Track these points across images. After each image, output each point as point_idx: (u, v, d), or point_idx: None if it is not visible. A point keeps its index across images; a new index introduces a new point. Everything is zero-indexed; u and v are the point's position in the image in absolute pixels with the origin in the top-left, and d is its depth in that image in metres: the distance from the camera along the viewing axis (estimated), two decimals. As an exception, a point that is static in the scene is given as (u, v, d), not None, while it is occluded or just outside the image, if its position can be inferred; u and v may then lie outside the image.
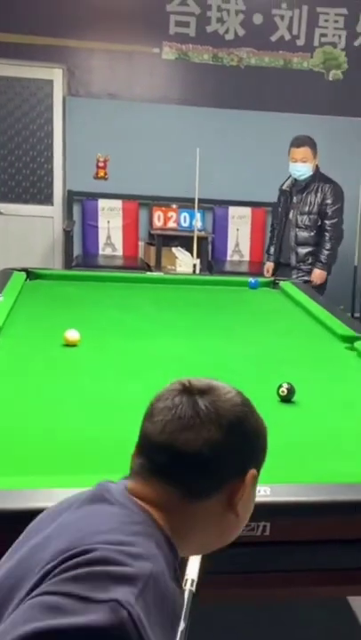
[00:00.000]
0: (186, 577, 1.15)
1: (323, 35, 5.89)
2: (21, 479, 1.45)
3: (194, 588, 1.15)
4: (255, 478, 1.02)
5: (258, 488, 1.44)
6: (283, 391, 2.09)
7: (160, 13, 5.62)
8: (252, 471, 1.00)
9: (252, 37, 5.78)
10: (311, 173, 4.37)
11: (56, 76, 5.65)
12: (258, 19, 5.78)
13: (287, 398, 2.09)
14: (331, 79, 5.93)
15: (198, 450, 0.95)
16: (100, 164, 5.78)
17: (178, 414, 0.96)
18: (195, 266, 4.94)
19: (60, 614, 0.77)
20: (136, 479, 0.98)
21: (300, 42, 5.87)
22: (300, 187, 4.40)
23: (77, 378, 2.23)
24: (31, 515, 1.32)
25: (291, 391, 2.09)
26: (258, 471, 1.03)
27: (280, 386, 2.10)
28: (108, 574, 0.81)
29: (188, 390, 0.99)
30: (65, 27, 5.50)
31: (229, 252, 5.99)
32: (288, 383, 2.10)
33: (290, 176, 4.48)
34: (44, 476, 1.47)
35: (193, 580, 1.16)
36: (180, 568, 0.97)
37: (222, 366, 2.42)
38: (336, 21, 5.88)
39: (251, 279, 3.83)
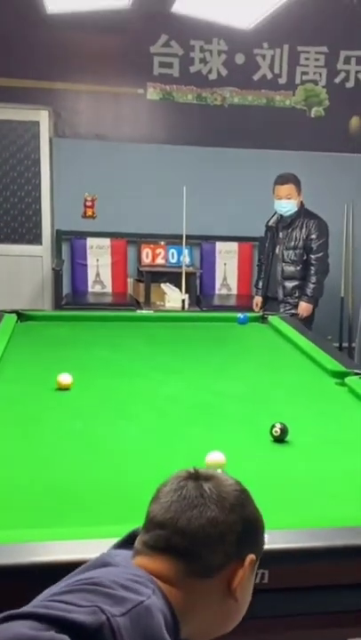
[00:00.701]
0: None
1: (304, 73, 6.03)
2: (15, 532, 1.43)
3: None
4: (254, 563, 1.07)
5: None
6: (276, 431, 2.10)
7: (144, 55, 5.74)
8: (251, 556, 1.05)
9: (235, 77, 5.90)
10: (296, 210, 4.45)
11: (42, 117, 5.73)
12: (240, 58, 5.91)
13: (280, 438, 2.10)
14: (313, 116, 6.06)
15: (201, 527, 1.01)
16: (88, 204, 5.84)
17: (183, 495, 1.03)
18: (183, 301, 4.97)
19: (50, 609, 0.88)
20: (140, 555, 1.03)
21: (282, 80, 6.01)
22: (286, 223, 4.48)
23: (71, 423, 2.24)
24: (28, 570, 1.32)
25: (284, 431, 2.10)
26: (257, 557, 1.08)
27: (273, 426, 2.11)
28: (99, 592, 0.90)
29: (193, 476, 1.07)
30: (51, 69, 5.60)
31: (217, 286, 6.04)
32: (281, 423, 2.11)
33: (275, 212, 4.56)
34: (41, 529, 1.46)
35: None
36: (178, 636, 1.00)
37: (214, 406, 2.44)
38: (317, 59, 6.03)
39: (240, 314, 3.86)
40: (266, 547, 1.46)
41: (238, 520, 1.04)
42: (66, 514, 1.61)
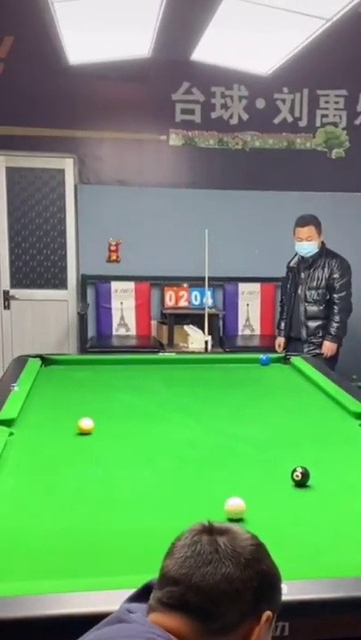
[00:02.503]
0: None
1: (324, 115, 6.09)
2: (30, 584, 1.41)
3: None
4: (270, 620, 1.04)
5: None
6: (297, 475, 2.07)
7: (166, 102, 5.85)
8: (268, 613, 1.03)
9: (256, 121, 5.98)
10: (317, 250, 4.45)
11: (67, 165, 5.86)
12: (260, 103, 6.00)
13: (302, 482, 2.07)
14: (333, 157, 6.10)
15: (216, 584, 0.99)
16: (112, 248, 5.92)
17: (197, 550, 1.02)
18: (206, 342, 4.97)
19: None
20: (155, 612, 1.02)
21: (303, 123, 6.07)
22: (308, 263, 4.48)
23: (91, 469, 2.22)
24: (53, 622, 1.29)
25: (305, 475, 2.07)
26: (273, 614, 1.06)
27: (294, 470, 2.08)
28: None
29: (208, 530, 1.05)
30: (75, 118, 5.74)
31: (240, 326, 6.04)
32: (302, 467, 2.08)
33: (297, 253, 4.57)
34: (56, 580, 1.44)
35: None
36: None
37: (234, 450, 2.42)
38: (336, 102, 6.09)
39: (262, 356, 3.85)
40: (286, 598, 1.43)
41: (254, 576, 1.02)
42: (82, 563, 1.59)
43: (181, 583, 1.00)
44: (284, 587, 1.42)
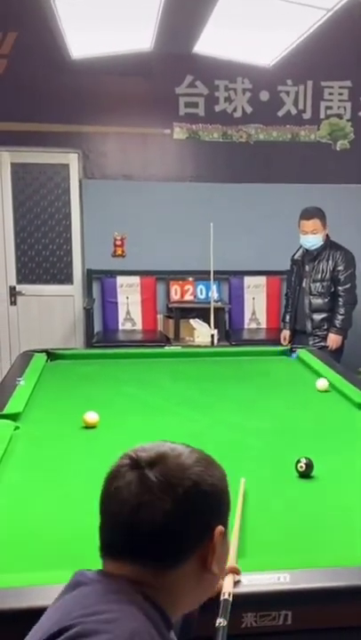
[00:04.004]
0: (223, 591, 1.30)
1: (328, 107, 6.08)
2: (43, 575, 1.41)
3: (230, 598, 1.30)
4: (223, 534, 1.01)
5: (277, 575, 1.44)
6: (301, 466, 2.08)
7: (170, 96, 5.85)
8: (219, 528, 1.00)
9: (260, 114, 5.98)
10: (322, 243, 4.45)
11: (72, 160, 5.87)
12: (264, 95, 5.99)
13: (306, 473, 2.07)
14: (338, 149, 6.09)
15: (158, 524, 0.94)
16: (118, 243, 5.93)
17: (132, 492, 0.95)
18: (213, 336, 4.97)
19: None
20: (107, 560, 0.99)
21: (307, 115, 6.06)
22: (312, 256, 4.48)
23: (96, 463, 2.23)
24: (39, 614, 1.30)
25: (309, 466, 2.08)
26: (225, 525, 1.02)
27: (298, 461, 2.09)
28: None
29: (136, 464, 0.98)
30: (78, 113, 5.74)
31: (246, 320, 6.04)
32: (306, 458, 2.09)
33: (301, 246, 4.56)
34: (69, 571, 1.45)
35: (230, 593, 1.31)
36: (170, 626, 0.98)
37: (240, 442, 2.42)
38: (341, 94, 6.07)
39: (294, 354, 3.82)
40: (289, 587, 1.44)
41: (197, 502, 0.96)
42: (89, 555, 1.60)
43: (124, 531, 0.96)
44: (287, 576, 1.45)
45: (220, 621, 1.24)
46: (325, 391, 3.04)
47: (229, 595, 1.32)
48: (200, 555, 0.98)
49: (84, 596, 0.94)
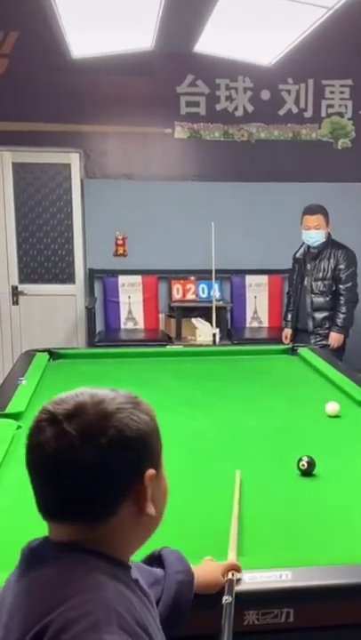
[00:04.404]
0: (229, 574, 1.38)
1: (329, 106, 6.08)
2: None
3: (235, 577, 1.38)
4: (154, 477, 0.98)
5: (279, 573, 1.44)
6: (303, 465, 2.08)
7: (171, 95, 5.85)
8: (149, 472, 0.97)
9: (261, 113, 5.98)
10: (324, 240, 4.45)
11: (73, 160, 5.87)
12: (265, 94, 5.99)
13: (308, 472, 2.08)
14: (339, 148, 6.08)
15: (85, 480, 0.92)
16: (119, 242, 5.93)
17: (52, 449, 0.92)
18: (214, 335, 4.97)
19: None
20: (47, 521, 0.97)
21: (308, 114, 6.06)
22: (313, 254, 4.48)
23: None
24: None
25: (311, 464, 2.08)
26: (156, 466, 1.00)
27: (300, 459, 2.09)
28: (77, 638, 0.83)
29: (54, 418, 0.93)
30: (79, 112, 5.75)
31: (248, 319, 6.04)
32: (308, 456, 2.09)
33: (302, 244, 4.57)
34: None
35: (233, 573, 1.38)
36: (127, 567, 0.99)
37: (241, 440, 2.43)
38: (342, 92, 6.07)
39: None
40: (292, 584, 1.44)
41: (122, 450, 0.93)
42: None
43: (53, 494, 0.93)
44: (289, 573, 1.45)
45: (227, 598, 1.28)
46: (336, 416, 2.67)
47: (233, 574, 1.37)
48: (134, 500, 0.96)
49: (43, 582, 0.92)
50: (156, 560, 1.31)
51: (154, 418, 1.02)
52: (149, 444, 0.98)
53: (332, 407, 2.67)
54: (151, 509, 0.97)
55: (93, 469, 0.91)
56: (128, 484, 0.95)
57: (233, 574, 1.39)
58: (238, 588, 1.40)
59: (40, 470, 0.95)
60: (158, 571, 1.27)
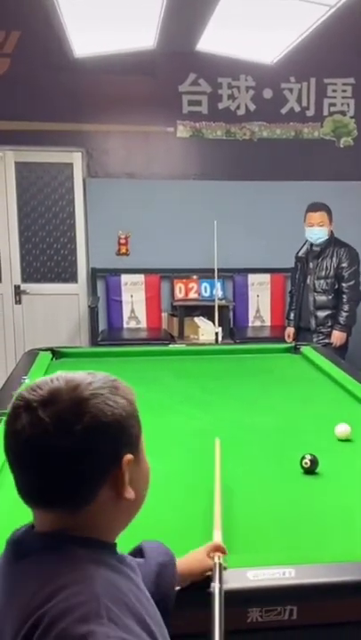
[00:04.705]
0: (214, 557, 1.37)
1: (332, 104, 6.07)
2: None
3: (222, 561, 1.37)
4: (132, 461, 0.97)
5: (282, 570, 1.45)
6: (306, 463, 2.08)
7: (173, 94, 5.85)
8: (127, 457, 0.96)
9: (263, 111, 5.97)
10: (327, 237, 4.45)
11: (75, 159, 5.88)
12: (268, 93, 5.98)
13: (311, 470, 2.08)
14: (341, 146, 6.08)
15: (61, 467, 0.91)
16: (122, 241, 5.93)
17: (28, 436, 0.91)
18: (217, 334, 4.98)
19: None
20: (33, 510, 0.98)
21: (310, 112, 6.05)
22: (316, 252, 4.48)
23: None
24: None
25: (314, 462, 2.08)
26: (134, 450, 0.99)
27: (303, 457, 2.09)
28: (68, 629, 0.83)
29: (28, 405, 0.92)
30: (82, 111, 5.75)
31: (251, 318, 6.04)
32: (311, 454, 2.09)
33: (305, 243, 4.57)
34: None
35: (219, 556, 1.37)
36: (114, 549, 1.00)
37: (245, 440, 2.43)
38: (344, 90, 6.07)
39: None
40: (294, 582, 1.45)
41: (98, 436, 0.92)
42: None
43: (29, 477, 0.93)
44: (292, 571, 1.45)
45: (214, 585, 1.27)
46: (346, 440, 2.39)
47: (219, 557, 1.36)
48: (112, 485, 0.95)
49: (30, 574, 0.92)
50: (138, 553, 1.30)
51: (132, 401, 1.01)
52: (126, 428, 0.97)
53: (342, 430, 2.39)
54: (130, 493, 0.97)
55: (69, 456, 0.91)
56: (105, 470, 0.95)
57: (219, 557, 1.37)
58: (242, 585, 1.40)
59: (17, 457, 0.94)
60: (140, 560, 1.26)
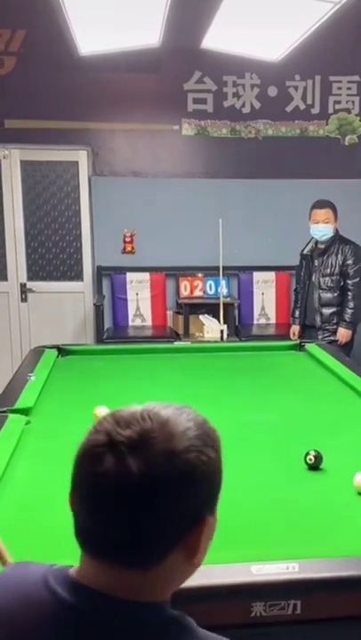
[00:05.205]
0: None
1: (337, 102, 6.06)
2: None
3: None
4: (210, 525, 0.89)
5: (286, 565, 1.46)
6: (310, 459, 2.09)
7: (178, 92, 5.85)
8: (208, 518, 0.88)
9: (268, 109, 5.96)
10: (332, 235, 4.45)
11: (81, 157, 5.89)
12: (273, 91, 5.98)
13: (315, 466, 2.09)
14: (347, 144, 6.07)
15: (141, 521, 0.82)
16: (127, 239, 5.94)
17: (109, 484, 0.82)
18: (222, 332, 4.98)
19: None
20: (86, 555, 0.87)
21: (315, 110, 6.04)
22: (321, 250, 4.49)
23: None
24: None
25: (318, 458, 2.09)
26: (213, 513, 0.90)
27: (307, 453, 2.10)
28: None
29: (114, 445, 0.82)
30: (87, 110, 5.75)
31: (256, 315, 6.04)
32: (315, 450, 2.10)
33: (310, 241, 4.57)
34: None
35: None
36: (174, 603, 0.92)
37: (250, 436, 2.44)
38: (349, 88, 6.05)
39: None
40: (298, 576, 1.45)
41: (186, 492, 0.83)
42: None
43: (99, 525, 0.83)
44: (295, 565, 1.46)
45: None
46: None
47: None
48: (185, 547, 0.86)
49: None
50: None
51: (220, 453, 0.91)
52: (214, 486, 0.89)
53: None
54: (197, 560, 0.89)
55: (152, 512, 0.82)
56: (184, 532, 0.86)
57: None
58: (245, 579, 1.42)
59: (90, 501, 0.84)
60: None
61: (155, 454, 0.82)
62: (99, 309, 5.66)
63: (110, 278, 5.96)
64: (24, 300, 5.97)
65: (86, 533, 0.86)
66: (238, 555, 1.48)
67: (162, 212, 5.87)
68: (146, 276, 5.92)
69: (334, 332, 4.43)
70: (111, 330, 5.80)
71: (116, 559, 0.84)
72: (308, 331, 4.61)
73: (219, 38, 4.22)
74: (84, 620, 0.84)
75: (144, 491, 0.81)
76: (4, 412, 2.55)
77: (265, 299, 6.03)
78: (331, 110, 6.04)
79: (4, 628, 0.85)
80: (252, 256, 5.90)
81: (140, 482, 0.81)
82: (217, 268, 5.12)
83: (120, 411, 0.88)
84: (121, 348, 4.05)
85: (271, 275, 6.01)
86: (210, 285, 5.82)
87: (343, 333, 4.41)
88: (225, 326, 5.03)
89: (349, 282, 4.42)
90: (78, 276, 6.03)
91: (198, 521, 0.86)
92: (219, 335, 4.99)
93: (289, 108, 6.00)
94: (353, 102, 6.05)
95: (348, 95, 6.05)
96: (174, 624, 0.87)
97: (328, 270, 4.44)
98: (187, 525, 0.86)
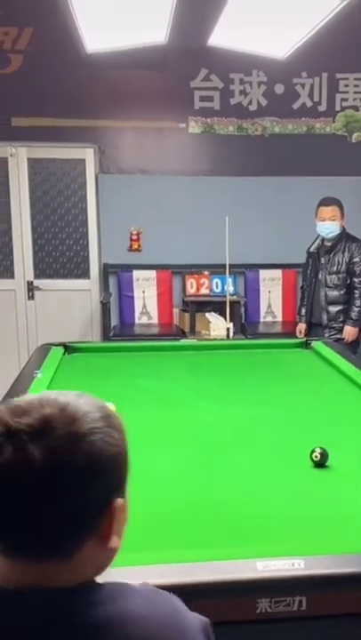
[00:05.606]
0: None
1: (344, 99, 6.05)
2: None
3: None
4: (122, 508, 0.87)
5: (291, 561, 1.46)
6: (316, 456, 2.09)
7: (185, 90, 5.85)
8: (119, 502, 0.86)
9: (275, 106, 5.96)
10: (339, 232, 4.44)
11: (88, 155, 5.89)
12: (279, 88, 5.97)
13: (321, 463, 2.09)
14: (354, 141, 6.06)
15: (48, 515, 0.79)
16: (134, 237, 5.95)
17: (13, 474, 0.78)
18: (228, 329, 4.97)
19: None
20: (6, 560, 0.83)
21: (322, 107, 6.03)
22: (328, 248, 4.48)
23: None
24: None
25: (324, 456, 2.09)
26: (124, 494, 0.88)
27: (313, 450, 2.10)
28: None
29: (13, 435, 0.79)
30: (94, 107, 5.76)
31: (262, 313, 6.04)
32: (321, 448, 2.10)
33: (316, 238, 4.57)
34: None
35: None
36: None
37: (255, 433, 2.44)
38: (356, 85, 6.04)
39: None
40: (303, 573, 1.46)
41: (93, 477, 0.81)
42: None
43: (8, 519, 0.80)
44: (301, 562, 1.47)
45: None
46: None
47: None
48: (98, 532, 0.85)
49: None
50: None
51: (125, 437, 0.89)
52: (121, 470, 0.87)
53: None
54: (113, 544, 0.86)
55: (60, 501, 0.80)
56: (95, 517, 0.84)
57: None
58: (251, 575, 1.42)
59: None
60: None
61: (58, 439, 0.79)
62: (105, 307, 5.66)
63: (117, 276, 5.97)
64: (31, 297, 5.99)
65: (3, 533, 0.82)
66: (244, 551, 1.48)
67: (168, 210, 5.87)
68: (152, 273, 5.93)
69: (341, 330, 4.42)
70: (118, 327, 5.81)
71: (30, 553, 0.82)
72: (314, 328, 4.61)
73: (225, 36, 4.21)
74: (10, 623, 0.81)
75: (49, 478, 0.78)
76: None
77: (271, 296, 6.03)
78: (338, 107, 6.03)
79: None
80: (258, 254, 5.90)
81: (44, 469, 0.78)
82: (223, 266, 5.11)
83: (14, 400, 0.84)
84: (127, 345, 4.06)
85: (278, 272, 6.01)
86: (216, 283, 5.82)
87: (350, 331, 4.41)
88: (231, 324, 5.02)
89: (356, 279, 4.41)
90: (85, 273, 6.04)
91: (108, 504, 0.85)
92: (225, 333, 4.98)
93: (296, 106, 5.99)
94: (360, 99, 6.03)
95: (355, 92, 6.03)
96: (113, 588, 0.86)
97: (335, 268, 4.44)
98: (97, 510, 0.84)
